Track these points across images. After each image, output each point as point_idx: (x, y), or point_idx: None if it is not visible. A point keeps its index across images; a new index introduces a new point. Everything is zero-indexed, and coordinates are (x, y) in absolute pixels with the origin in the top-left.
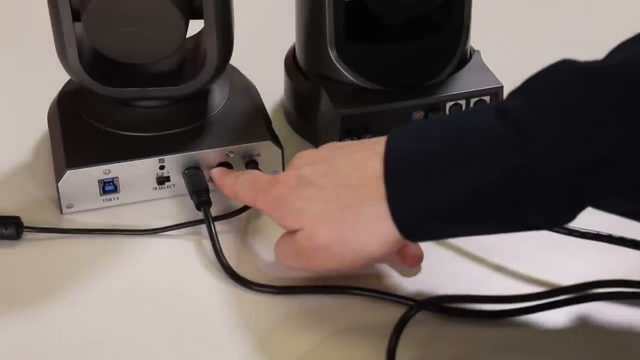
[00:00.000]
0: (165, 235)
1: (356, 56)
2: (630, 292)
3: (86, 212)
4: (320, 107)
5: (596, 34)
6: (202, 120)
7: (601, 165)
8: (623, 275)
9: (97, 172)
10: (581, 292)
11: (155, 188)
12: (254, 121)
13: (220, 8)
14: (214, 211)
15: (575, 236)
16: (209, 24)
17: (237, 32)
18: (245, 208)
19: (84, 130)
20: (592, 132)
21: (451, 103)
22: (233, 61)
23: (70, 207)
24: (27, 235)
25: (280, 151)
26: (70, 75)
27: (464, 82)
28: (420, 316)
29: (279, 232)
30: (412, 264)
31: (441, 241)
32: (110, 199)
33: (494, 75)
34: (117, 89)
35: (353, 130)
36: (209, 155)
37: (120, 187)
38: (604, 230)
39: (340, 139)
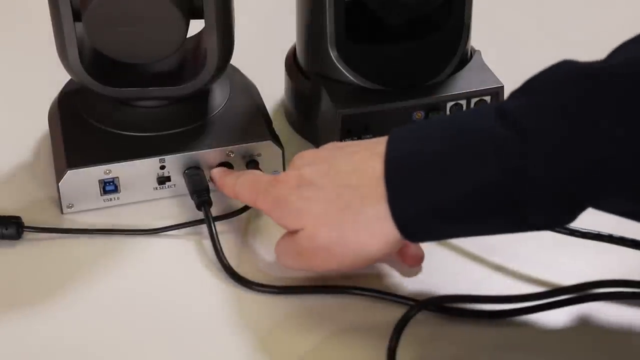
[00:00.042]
0: (165, 235)
1: (356, 56)
2: (630, 292)
3: (87, 212)
4: (320, 107)
5: (596, 34)
6: (202, 120)
7: (601, 165)
8: (623, 276)
9: (98, 172)
10: (582, 292)
11: (156, 188)
12: (254, 121)
13: (221, 8)
14: (214, 211)
15: (576, 236)
16: (210, 24)
17: (238, 32)
18: (245, 208)
19: (85, 130)
20: (593, 132)
21: (452, 103)
22: (234, 61)
23: (71, 207)
24: (27, 235)
25: (280, 151)
26: (70, 75)
27: (465, 82)
28: (420, 316)
29: (279, 232)
30: (412, 264)
31: (442, 241)
32: (110, 199)
33: (495, 75)
34: (117, 89)
35: (353, 130)
36: (209, 155)
37: (121, 187)
38: (605, 230)
39: (341, 139)
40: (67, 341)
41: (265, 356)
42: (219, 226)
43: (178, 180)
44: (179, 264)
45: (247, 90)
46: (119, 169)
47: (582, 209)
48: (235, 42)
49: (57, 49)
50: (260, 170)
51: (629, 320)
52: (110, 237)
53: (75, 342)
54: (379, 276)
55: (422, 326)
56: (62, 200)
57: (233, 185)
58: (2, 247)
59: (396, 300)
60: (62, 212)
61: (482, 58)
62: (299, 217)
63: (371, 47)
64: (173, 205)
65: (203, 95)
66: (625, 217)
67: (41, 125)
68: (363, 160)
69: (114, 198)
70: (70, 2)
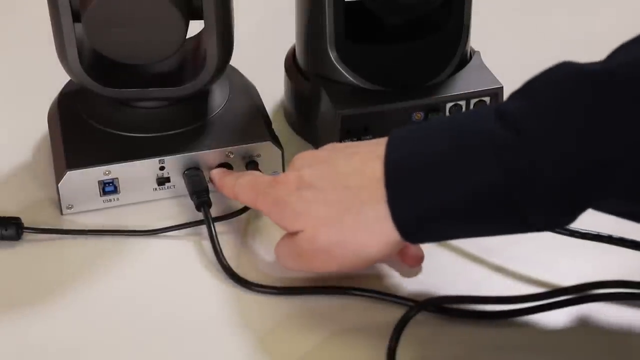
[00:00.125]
0: (165, 236)
1: (356, 57)
2: (630, 292)
3: (86, 213)
4: (320, 107)
5: (596, 35)
6: (202, 121)
7: (601, 166)
8: (623, 276)
9: (97, 172)
10: (581, 293)
11: (156, 189)
12: (254, 122)
13: (221, 8)
14: (214, 212)
15: (576, 237)
16: (209, 25)
17: (237, 33)
18: (245, 209)
19: (84, 131)
20: (593, 134)
21: (451, 104)
22: (233, 62)
23: (71, 207)
24: (27, 236)
25: (280, 152)
26: (70, 76)
27: (464, 83)
28: (420, 317)
29: (279, 232)
30: (412, 264)
31: (441, 242)
32: (110, 200)
33: (494, 76)
34: (117, 89)
35: (353, 130)
36: (209, 156)
37: (121, 188)
38: (605, 231)
39: (340, 140)
40: (67, 341)
41: (265, 357)
42: (219, 227)
43: (177, 181)
44: (178, 265)
45: (246, 91)
46: (119, 170)
47: (582, 209)
48: (235, 43)
49: (57, 49)
50: (260, 171)
51: (629, 320)
52: (109, 238)
53: (75, 343)
54: (379, 277)
55: (422, 326)
56: (61, 201)
57: (232, 186)
58: (2, 247)
59: (396, 300)
60: (61, 213)
61: (481, 59)
62: (298, 219)
63: (371, 47)
64: (172, 206)
65: (203, 96)
66: (624, 217)
67: (41, 125)
68: (363, 162)
69: (114, 199)
70: (70, 3)
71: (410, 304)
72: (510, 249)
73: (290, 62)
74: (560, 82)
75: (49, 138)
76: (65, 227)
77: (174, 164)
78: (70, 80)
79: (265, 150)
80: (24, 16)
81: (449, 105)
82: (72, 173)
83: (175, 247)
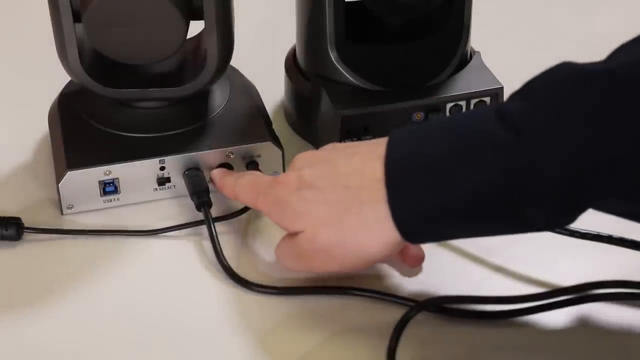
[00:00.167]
0: (165, 236)
1: (356, 57)
2: (630, 292)
3: (87, 213)
4: (320, 107)
5: (596, 35)
6: (202, 121)
7: (602, 166)
8: (623, 276)
9: (98, 173)
10: (581, 293)
11: (156, 189)
12: (254, 122)
13: (221, 9)
14: (214, 212)
15: (576, 237)
16: (210, 25)
17: (238, 33)
18: (245, 209)
19: (85, 131)
20: (593, 134)
21: (451, 104)
22: (233, 62)
23: (71, 208)
24: (27, 236)
25: (280, 152)
26: (70, 76)
27: (464, 83)
28: (420, 317)
29: (279, 233)
30: (413, 264)
31: (442, 242)
32: (110, 200)
33: (494, 76)
34: (117, 89)
35: (353, 131)
36: (209, 156)
37: (121, 188)
38: (605, 231)
39: (341, 140)
40: (67, 341)
41: (265, 357)
42: (219, 227)
43: (178, 181)
44: (178, 265)
45: (247, 91)
46: (119, 170)
47: (582, 210)
48: (235, 43)
49: (57, 49)
50: (260, 171)
51: (629, 320)
52: (110, 238)
53: (75, 343)
54: (379, 277)
55: (422, 327)
56: (62, 201)
57: (233, 186)
58: (2, 247)
59: (396, 300)
60: (62, 213)
61: (481, 59)
62: (299, 219)
63: (371, 47)
64: (173, 206)
65: (203, 96)
66: (624, 217)
67: (41, 126)
68: (363, 162)
69: (114, 199)
70: (70, 3)
71: (411, 304)
72: (510, 249)
73: (291, 62)
74: (561, 83)
75: (49, 138)
76: (65, 227)
77: (174, 164)
78: (71, 80)
79: (265, 151)
80: (24, 16)
81: (449, 105)
82: (73, 173)
83: (176, 247)
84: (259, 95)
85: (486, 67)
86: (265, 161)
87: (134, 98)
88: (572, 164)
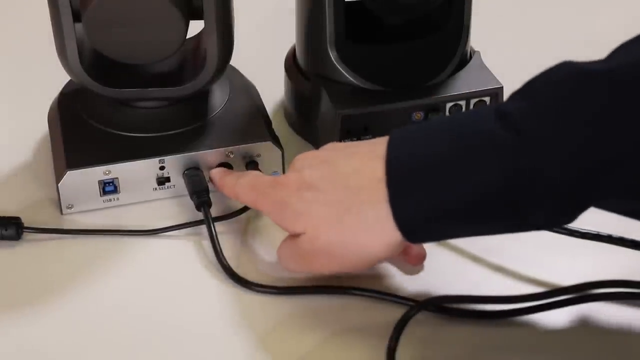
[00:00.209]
0: (165, 235)
1: (356, 56)
2: (630, 292)
3: (86, 213)
4: (320, 107)
5: (596, 34)
6: (202, 121)
7: (602, 165)
8: (623, 276)
9: (98, 172)
10: (581, 293)
11: (156, 189)
12: (254, 122)
13: (221, 8)
14: (214, 212)
15: (576, 236)
16: (209, 25)
17: (238, 33)
18: (245, 209)
19: (85, 130)
20: (593, 133)
21: (451, 104)
22: (233, 62)
23: (71, 207)
24: (27, 235)
25: (280, 152)
26: (70, 76)
27: (464, 83)
28: (420, 316)
29: (279, 232)
30: (415, 263)
31: (442, 242)
32: (110, 200)
33: (494, 76)
34: (117, 89)
35: (353, 130)
36: (209, 155)
37: (121, 188)
38: (604, 230)
39: (340, 140)
40: (67, 341)
41: (265, 356)
42: (219, 227)
43: (178, 180)
44: (178, 265)
45: (246, 91)
46: (119, 170)
47: (582, 209)
48: (235, 43)
49: (57, 49)
50: (260, 171)
51: (629, 320)
52: (109, 238)
53: (75, 343)
54: (379, 276)
55: (422, 326)
56: (61, 200)
57: (233, 186)
58: (2, 247)
59: (396, 300)
60: (61, 213)
61: (481, 59)
62: (300, 220)
63: (371, 47)
64: (172, 206)
65: (203, 96)
66: (625, 215)
67: (41, 125)
68: (363, 162)
69: (114, 199)
70: (70, 3)
71: (411, 303)
72: (510, 249)
73: (291, 62)
74: (561, 82)
75: (49, 138)
76: (65, 227)
77: (174, 163)
78: (71, 80)
79: (265, 150)
80: (24, 16)
81: (449, 105)
82: (72, 173)
83: (175, 247)
84: (258, 95)
85: (486, 67)
86: (265, 161)
87: (134, 98)
88: (573, 164)
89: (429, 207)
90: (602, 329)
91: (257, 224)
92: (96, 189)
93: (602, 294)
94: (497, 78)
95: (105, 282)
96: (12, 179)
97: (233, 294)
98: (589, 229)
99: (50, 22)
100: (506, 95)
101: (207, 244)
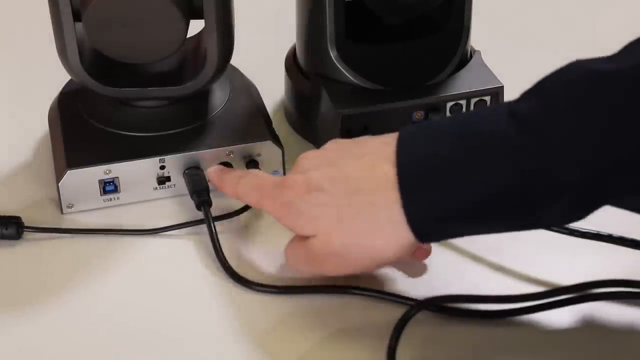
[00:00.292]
0: (165, 235)
1: (356, 56)
2: (630, 292)
3: (87, 212)
4: (320, 107)
5: (596, 34)
6: (202, 120)
7: (617, 165)
8: (623, 275)
9: (98, 172)
10: (581, 292)
11: (156, 188)
12: (254, 121)
13: (221, 8)
14: (214, 211)
15: (576, 236)
16: (210, 24)
17: (238, 32)
18: (245, 208)
19: (85, 130)
20: (608, 134)
21: (451, 103)
22: (233, 61)
23: (71, 207)
24: (27, 235)
25: (280, 151)
26: (70, 76)
27: (465, 82)
28: (420, 316)
29: (279, 232)
30: (423, 258)
31: (442, 242)
32: (110, 199)
33: (494, 75)
34: (117, 89)
35: (353, 130)
36: (209, 155)
37: (121, 187)
38: (604, 230)
39: None
40: (67, 341)
41: (265, 356)
42: (219, 226)
43: (178, 180)
44: (178, 264)
45: (247, 90)
46: (119, 169)
47: (595, 208)
48: (235, 42)
49: (57, 49)
50: (260, 170)
51: (629, 320)
52: (110, 237)
53: (75, 342)
54: (379, 276)
55: (422, 326)
56: (62, 200)
57: (234, 185)
58: (2, 247)
59: (396, 300)
60: (62, 212)
61: (482, 58)
62: (311, 224)
63: (371, 47)
64: (173, 205)
65: (203, 96)
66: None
67: (41, 125)
68: (373, 164)
69: (114, 198)
70: (70, 2)
71: (411, 303)
72: (510, 249)
73: (291, 61)
74: (574, 83)
75: (49, 138)
76: (65, 227)
77: (174, 163)
78: (71, 79)
79: (265, 150)
80: (24, 16)
81: (449, 104)
82: (73, 172)
83: (176, 246)
84: (259, 95)
85: (486, 66)
86: (265, 160)
87: (134, 97)
88: (588, 165)
89: (442, 209)
90: (602, 329)
91: (257, 224)
92: (96, 188)
93: (603, 293)
94: (497, 78)
95: (106, 281)
96: (12, 178)
97: (233, 293)
98: (589, 228)
99: (50, 22)
100: (506, 94)
101: (207, 243)
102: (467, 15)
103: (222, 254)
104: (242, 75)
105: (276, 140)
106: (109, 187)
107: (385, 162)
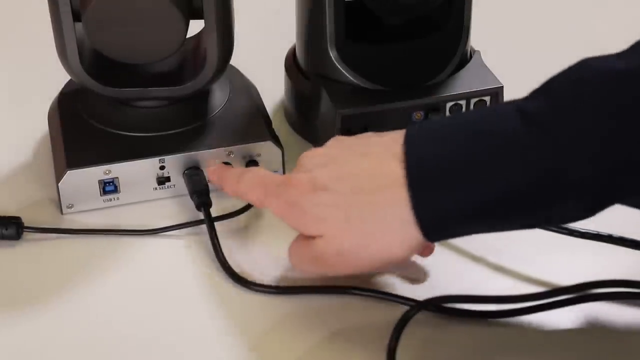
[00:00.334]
0: (165, 235)
1: (356, 56)
2: (630, 292)
3: (86, 213)
4: (320, 107)
5: (596, 34)
6: (202, 121)
7: (627, 165)
8: (623, 275)
9: (98, 172)
10: (581, 292)
11: (156, 188)
12: (254, 121)
13: (221, 8)
14: (214, 211)
15: (575, 236)
16: (209, 24)
17: (237, 32)
18: (245, 208)
19: (85, 130)
20: (618, 133)
21: (451, 103)
22: (233, 61)
23: (71, 207)
24: (27, 235)
25: (280, 151)
26: (70, 76)
27: (464, 82)
28: (420, 316)
29: (279, 232)
30: (427, 255)
31: (442, 242)
32: (110, 199)
33: (494, 76)
34: (117, 89)
35: (353, 130)
36: (209, 155)
37: (121, 188)
38: (604, 230)
39: None
40: (67, 341)
41: (265, 356)
42: (219, 226)
43: (178, 180)
44: (178, 264)
45: (246, 90)
46: (119, 169)
47: (605, 206)
48: (235, 42)
49: (57, 49)
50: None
51: (629, 320)
52: (110, 238)
53: (75, 342)
54: (379, 276)
55: (422, 326)
56: (61, 200)
57: (235, 183)
58: (2, 247)
59: (396, 300)
60: (62, 213)
61: (481, 58)
62: (316, 224)
63: (371, 47)
64: (173, 206)
65: (203, 96)
66: None
67: (41, 125)
68: (380, 163)
69: (114, 198)
70: (70, 2)
71: (411, 303)
72: (510, 249)
73: (291, 61)
74: (584, 82)
75: (49, 138)
76: (65, 227)
77: (174, 163)
78: (71, 79)
79: (265, 150)
80: (24, 16)
81: (449, 104)
82: (73, 172)
83: (175, 246)
84: (259, 95)
85: (486, 66)
86: (265, 160)
87: (134, 97)
88: (598, 164)
89: (452, 208)
90: (602, 329)
91: (257, 224)
92: (96, 188)
93: (602, 294)
94: (497, 78)
95: (105, 281)
96: (12, 178)
97: (233, 293)
98: (589, 228)
99: (50, 22)
100: (506, 95)
101: (207, 243)
102: (467, 15)
103: (222, 254)
104: (242, 75)
105: (276, 140)
106: (108, 187)
107: (393, 161)
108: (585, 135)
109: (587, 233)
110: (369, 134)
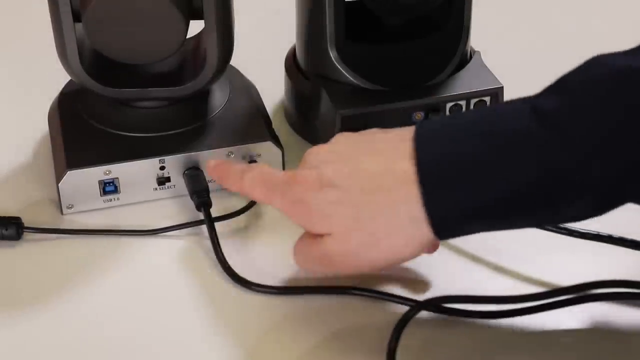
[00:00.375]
0: (165, 235)
1: (356, 56)
2: (630, 292)
3: (86, 213)
4: (320, 107)
5: (596, 34)
6: (202, 121)
7: (638, 165)
8: (623, 276)
9: (98, 172)
10: (581, 293)
11: (156, 188)
12: (254, 122)
13: (221, 8)
14: (214, 212)
15: (575, 236)
16: (209, 25)
17: (238, 33)
18: (245, 209)
19: (85, 130)
20: (631, 134)
21: (451, 103)
22: (233, 61)
23: (71, 207)
24: (27, 235)
25: (280, 152)
26: (70, 76)
27: (464, 83)
28: (420, 316)
29: (279, 233)
30: (432, 252)
31: (442, 241)
32: (110, 200)
33: (494, 76)
34: (117, 89)
35: (353, 130)
36: (209, 155)
37: (121, 188)
38: (604, 230)
39: None
40: (67, 341)
41: (265, 356)
42: (219, 227)
43: (178, 180)
44: (178, 265)
45: (246, 90)
46: (119, 170)
47: (615, 206)
48: (235, 43)
49: (57, 49)
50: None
51: (629, 320)
52: (110, 238)
53: (74, 343)
54: (379, 276)
55: (422, 326)
56: (62, 200)
57: (238, 180)
58: (2, 247)
59: (396, 300)
60: (62, 213)
61: (481, 59)
62: (324, 222)
63: (371, 47)
64: (173, 206)
65: (203, 96)
66: None
67: (41, 125)
68: (390, 161)
69: (114, 199)
70: (70, 3)
71: (411, 303)
72: (510, 249)
73: (291, 62)
74: (597, 81)
75: (49, 138)
76: (65, 227)
77: (174, 163)
78: (71, 80)
79: (265, 150)
80: (24, 16)
81: (449, 105)
82: (73, 173)
83: (175, 246)
84: (259, 95)
85: (486, 66)
86: (265, 161)
87: (134, 98)
88: (612, 164)
89: (464, 207)
90: (602, 329)
91: (257, 224)
92: (96, 189)
93: (603, 294)
94: (497, 78)
95: (105, 282)
96: (12, 179)
97: (233, 293)
98: (589, 228)
99: (50, 22)
100: (506, 95)
101: (207, 244)
102: (467, 15)
103: (222, 254)
104: (242, 75)
105: (276, 140)
106: (108, 187)
107: (403, 159)
108: (599, 134)
109: (588, 233)
110: (374, 130)
